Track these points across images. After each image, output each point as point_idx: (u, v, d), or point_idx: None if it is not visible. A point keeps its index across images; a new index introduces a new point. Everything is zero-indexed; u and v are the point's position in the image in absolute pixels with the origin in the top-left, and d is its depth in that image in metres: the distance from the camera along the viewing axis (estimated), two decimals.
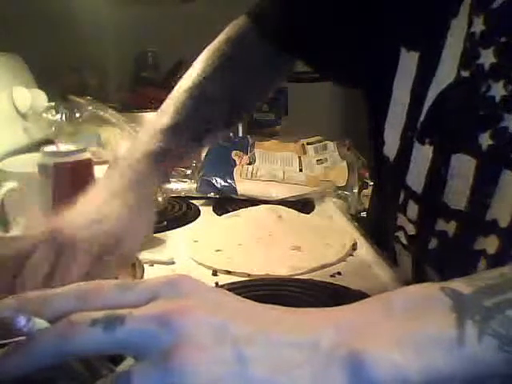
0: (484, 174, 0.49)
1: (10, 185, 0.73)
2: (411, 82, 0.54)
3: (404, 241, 0.59)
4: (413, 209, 0.55)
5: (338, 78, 0.73)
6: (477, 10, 0.48)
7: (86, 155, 0.70)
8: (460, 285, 0.31)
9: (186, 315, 0.29)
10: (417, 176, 0.54)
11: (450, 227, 0.52)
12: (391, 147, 0.57)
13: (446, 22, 0.50)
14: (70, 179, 0.69)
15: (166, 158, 0.62)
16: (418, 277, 0.57)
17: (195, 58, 0.71)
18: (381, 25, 0.57)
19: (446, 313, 0.30)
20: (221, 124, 0.71)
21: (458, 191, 0.50)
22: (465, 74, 0.49)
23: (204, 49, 0.72)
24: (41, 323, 0.29)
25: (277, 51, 0.70)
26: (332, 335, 0.29)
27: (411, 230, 0.57)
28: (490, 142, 0.48)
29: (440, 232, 0.53)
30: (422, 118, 0.53)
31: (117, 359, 0.31)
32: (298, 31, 0.67)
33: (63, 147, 0.71)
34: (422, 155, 0.53)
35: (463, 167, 0.50)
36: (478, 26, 0.48)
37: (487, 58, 0.47)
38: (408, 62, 0.54)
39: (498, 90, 0.47)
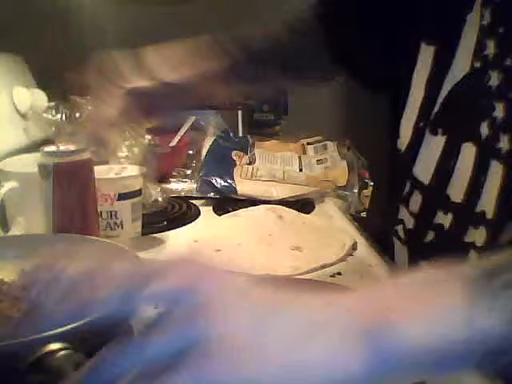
0: (480, 163, 0.50)
1: (10, 185, 0.73)
2: (427, 75, 0.56)
3: (402, 235, 0.60)
4: (416, 200, 0.56)
5: (366, 81, 0.72)
6: (486, 4, 0.50)
7: (86, 155, 0.70)
8: (467, 268, 0.32)
9: (212, 281, 0.31)
10: (425, 167, 0.55)
11: (447, 220, 0.53)
12: (404, 139, 0.59)
13: (462, 17, 0.52)
14: (70, 179, 0.69)
15: None
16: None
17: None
18: (405, 22, 0.59)
19: (455, 292, 0.30)
20: None
21: (459, 183, 0.52)
22: (476, 65, 0.51)
23: None
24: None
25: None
26: (347, 313, 0.31)
27: (410, 223, 0.58)
28: (487, 132, 0.50)
29: (437, 225, 0.54)
30: (436, 110, 0.54)
31: None
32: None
33: (63, 147, 0.71)
34: (433, 146, 0.54)
35: (468, 157, 0.51)
36: (486, 19, 0.50)
37: (490, 48, 0.49)
38: (425, 55, 0.56)
39: (494, 80, 0.49)
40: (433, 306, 0.30)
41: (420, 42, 0.57)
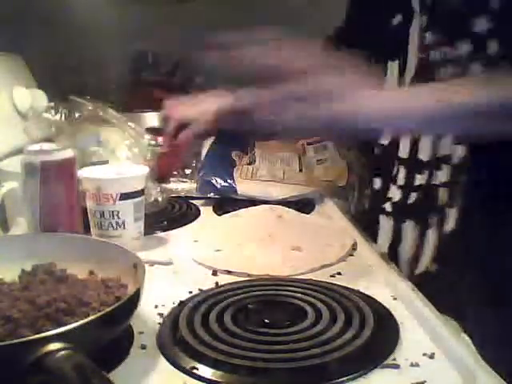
0: None
1: (10, 185, 0.73)
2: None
3: (389, 209, 0.75)
4: (402, 174, 0.73)
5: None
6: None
7: (70, 153, 0.72)
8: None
9: None
10: (404, 146, 0.73)
11: (422, 179, 0.70)
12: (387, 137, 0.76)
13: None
14: (57, 176, 0.71)
15: None
16: (396, 241, 0.74)
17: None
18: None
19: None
20: None
21: (425, 145, 0.70)
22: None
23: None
24: None
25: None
26: None
27: (397, 195, 0.74)
28: None
29: (417, 186, 0.71)
30: None
31: (113, 362, 0.31)
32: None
33: (46, 146, 0.73)
34: None
35: None
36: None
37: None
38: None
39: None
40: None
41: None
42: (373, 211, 0.80)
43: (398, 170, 0.74)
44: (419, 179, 0.71)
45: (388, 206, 0.76)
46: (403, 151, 0.73)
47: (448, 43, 0.65)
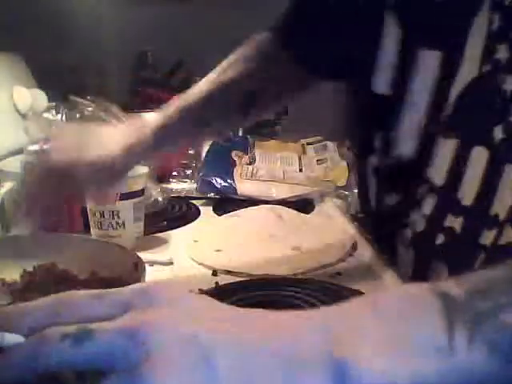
0: (493, 167, 0.50)
1: (10, 185, 0.73)
2: (431, 81, 0.55)
3: (409, 238, 0.59)
4: (429, 203, 0.56)
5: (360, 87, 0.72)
6: (495, 8, 0.50)
7: None
8: (450, 286, 0.30)
9: (154, 327, 0.28)
10: (438, 169, 0.55)
11: (457, 223, 0.53)
12: (407, 146, 0.58)
13: (468, 21, 0.52)
14: None
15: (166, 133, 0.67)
16: (421, 274, 0.58)
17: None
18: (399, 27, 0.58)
19: (436, 316, 0.28)
20: (234, 106, 0.71)
21: (470, 187, 0.52)
22: (486, 68, 0.51)
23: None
24: (15, 338, 0.29)
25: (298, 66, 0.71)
26: (313, 340, 0.28)
27: (421, 225, 0.57)
28: (502, 136, 0.50)
29: (448, 228, 0.54)
30: (446, 113, 0.54)
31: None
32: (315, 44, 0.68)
33: (46, 146, 0.73)
34: (445, 149, 0.54)
35: (480, 161, 0.51)
36: (496, 23, 0.50)
37: (502, 52, 0.49)
38: (429, 61, 0.56)
39: (509, 84, 0.49)
40: (409, 334, 0.28)
41: (416, 47, 0.56)
42: (386, 232, 0.65)
43: (422, 196, 0.57)
44: (452, 222, 0.54)
45: (408, 234, 0.59)
46: (436, 174, 0.55)
47: None
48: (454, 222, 0.54)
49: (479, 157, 0.51)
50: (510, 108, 0.49)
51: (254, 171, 1.04)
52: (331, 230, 0.84)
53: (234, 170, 1.03)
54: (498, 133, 0.50)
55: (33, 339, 0.28)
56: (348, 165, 1.08)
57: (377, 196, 0.65)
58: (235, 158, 1.08)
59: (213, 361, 0.27)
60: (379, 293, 0.32)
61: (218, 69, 0.70)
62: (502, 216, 0.50)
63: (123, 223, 0.74)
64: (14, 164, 0.79)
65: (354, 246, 0.77)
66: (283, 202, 0.95)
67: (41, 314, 0.30)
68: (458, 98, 0.53)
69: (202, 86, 0.69)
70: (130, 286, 0.31)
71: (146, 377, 0.26)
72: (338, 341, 0.28)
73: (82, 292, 0.31)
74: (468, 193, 0.52)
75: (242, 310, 0.31)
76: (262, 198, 0.97)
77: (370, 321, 0.29)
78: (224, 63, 0.71)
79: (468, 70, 0.52)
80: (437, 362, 0.27)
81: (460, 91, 0.53)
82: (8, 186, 0.73)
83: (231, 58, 0.71)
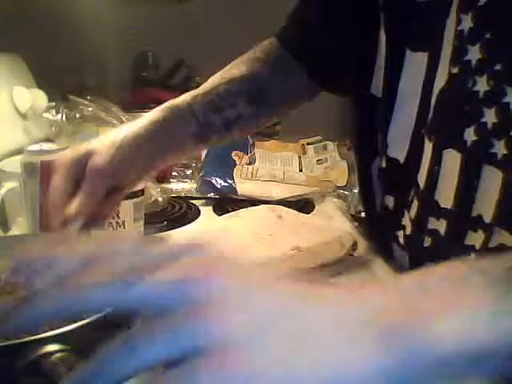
0: (468, 169, 0.50)
1: (10, 185, 0.73)
2: (421, 82, 0.55)
3: (401, 240, 0.60)
4: (414, 207, 0.56)
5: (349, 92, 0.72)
6: (465, 8, 0.49)
7: None
8: (487, 264, 0.30)
9: (211, 276, 0.28)
10: (422, 173, 0.55)
11: (441, 225, 0.54)
12: (399, 148, 0.58)
13: (442, 23, 0.51)
14: None
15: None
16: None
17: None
18: (386, 30, 0.59)
19: (481, 291, 0.28)
20: (242, 102, 0.69)
21: (447, 189, 0.52)
22: (454, 70, 0.50)
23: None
24: None
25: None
26: (373, 311, 0.28)
27: (409, 229, 0.58)
28: (474, 138, 0.49)
29: (432, 231, 0.55)
30: (430, 116, 0.54)
31: None
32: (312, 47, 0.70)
33: (46, 146, 0.72)
34: (426, 152, 0.54)
35: (451, 163, 0.51)
36: (467, 24, 0.49)
37: (474, 54, 0.48)
38: (416, 62, 0.55)
39: (481, 85, 0.48)
40: (458, 306, 0.28)
41: (404, 49, 0.56)
42: (384, 233, 0.66)
43: (412, 198, 0.57)
44: (436, 224, 0.54)
45: (401, 236, 0.60)
46: (421, 178, 0.55)
47: None
48: (438, 225, 0.54)
49: (452, 159, 0.51)
50: (482, 110, 0.48)
51: (254, 171, 1.04)
52: (331, 230, 0.84)
53: (234, 170, 1.03)
54: (470, 135, 0.49)
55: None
56: (348, 165, 1.08)
57: (377, 197, 0.66)
58: (235, 158, 1.08)
59: (264, 318, 0.27)
60: (419, 272, 0.31)
61: (226, 68, 0.70)
62: (488, 217, 0.49)
63: (123, 223, 0.74)
64: (14, 164, 0.79)
65: (354, 246, 0.77)
66: (283, 202, 0.95)
67: (78, 261, 0.30)
68: (437, 99, 0.53)
69: (211, 81, 0.69)
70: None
71: (195, 324, 0.26)
72: (396, 311, 0.28)
73: (128, 238, 0.32)
74: (445, 195, 0.52)
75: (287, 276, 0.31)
76: (262, 198, 0.97)
77: (420, 297, 0.29)
78: (230, 65, 0.71)
79: (442, 71, 0.52)
80: (487, 328, 0.27)
81: (437, 93, 0.53)
82: (8, 185, 0.73)
83: (238, 60, 0.71)
